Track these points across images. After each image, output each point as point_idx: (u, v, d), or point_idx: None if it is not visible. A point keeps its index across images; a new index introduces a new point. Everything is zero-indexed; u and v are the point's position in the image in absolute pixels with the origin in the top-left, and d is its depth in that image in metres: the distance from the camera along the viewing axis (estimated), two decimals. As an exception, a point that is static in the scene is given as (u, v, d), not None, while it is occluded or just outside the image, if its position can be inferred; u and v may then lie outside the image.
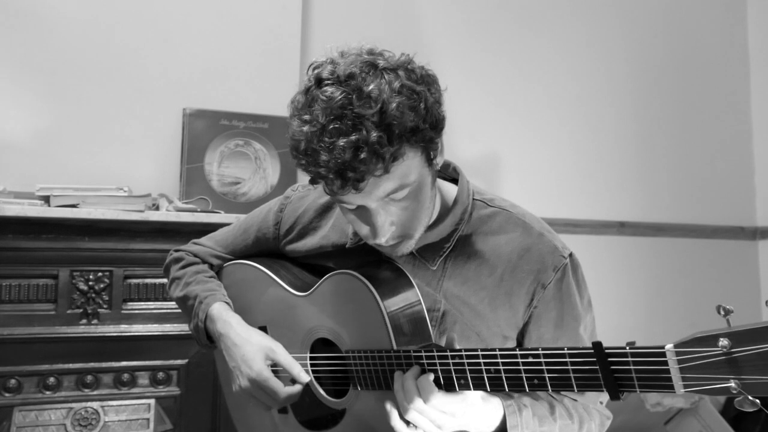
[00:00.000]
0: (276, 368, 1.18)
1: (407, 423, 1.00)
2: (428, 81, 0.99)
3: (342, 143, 0.90)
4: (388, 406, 1.01)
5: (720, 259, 3.19)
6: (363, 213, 1.02)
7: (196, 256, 1.39)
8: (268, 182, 2.37)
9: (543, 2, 3.00)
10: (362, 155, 0.90)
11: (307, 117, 0.95)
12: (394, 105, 0.92)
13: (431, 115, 0.97)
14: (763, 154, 3.31)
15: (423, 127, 0.96)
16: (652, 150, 3.14)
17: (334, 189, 0.97)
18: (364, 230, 1.05)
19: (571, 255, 1.11)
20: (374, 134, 0.90)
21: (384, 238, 1.02)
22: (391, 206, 1.01)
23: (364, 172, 0.92)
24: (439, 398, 0.96)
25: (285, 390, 1.14)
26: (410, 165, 0.97)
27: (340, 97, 0.92)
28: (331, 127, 0.91)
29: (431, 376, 0.97)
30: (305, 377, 1.15)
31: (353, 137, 0.90)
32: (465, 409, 0.97)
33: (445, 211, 1.13)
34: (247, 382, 1.16)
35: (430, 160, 1.02)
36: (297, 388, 1.15)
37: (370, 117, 0.91)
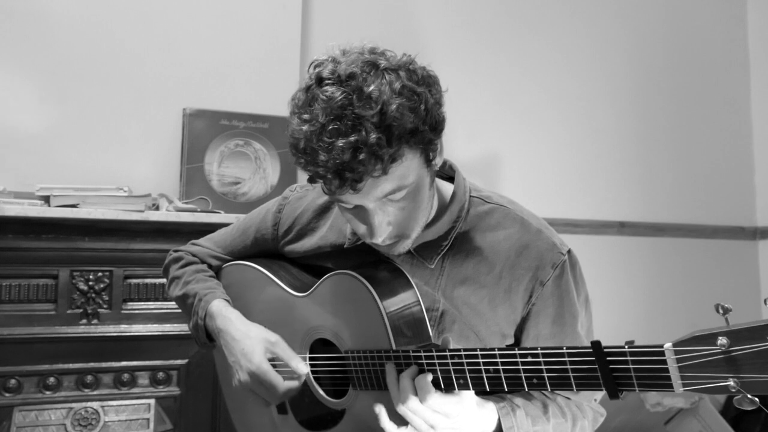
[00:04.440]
0: (276, 363, 1.18)
1: (398, 423, 1.00)
2: (429, 82, 0.99)
3: (341, 144, 0.90)
4: (378, 408, 1.02)
5: (720, 259, 3.19)
6: (360, 212, 1.02)
7: (194, 256, 1.39)
8: (268, 182, 2.37)
9: (543, 2, 3.00)
10: (361, 156, 0.90)
11: (306, 116, 0.94)
12: (394, 106, 0.91)
13: (431, 117, 0.97)
14: (763, 154, 3.31)
15: (422, 129, 0.95)
16: (652, 150, 3.14)
17: (332, 188, 0.96)
18: (361, 229, 1.05)
19: (569, 252, 1.11)
20: (373, 136, 0.90)
21: (381, 237, 1.02)
22: (388, 206, 1.01)
23: (362, 173, 0.92)
24: (435, 398, 0.96)
25: (284, 384, 1.14)
26: (409, 166, 0.97)
27: (340, 97, 0.91)
28: (331, 127, 0.91)
29: (429, 377, 0.97)
30: (303, 369, 1.14)
31: (352, 138, 0.90)
32: (460, 410, 0.97)
33: (443, 209, 1.13)
34: (246, 376, 1.16)
35: (428, 161, 1.02)
36: (296, 383, 1.14)
37: (370, 118, 0.90)
